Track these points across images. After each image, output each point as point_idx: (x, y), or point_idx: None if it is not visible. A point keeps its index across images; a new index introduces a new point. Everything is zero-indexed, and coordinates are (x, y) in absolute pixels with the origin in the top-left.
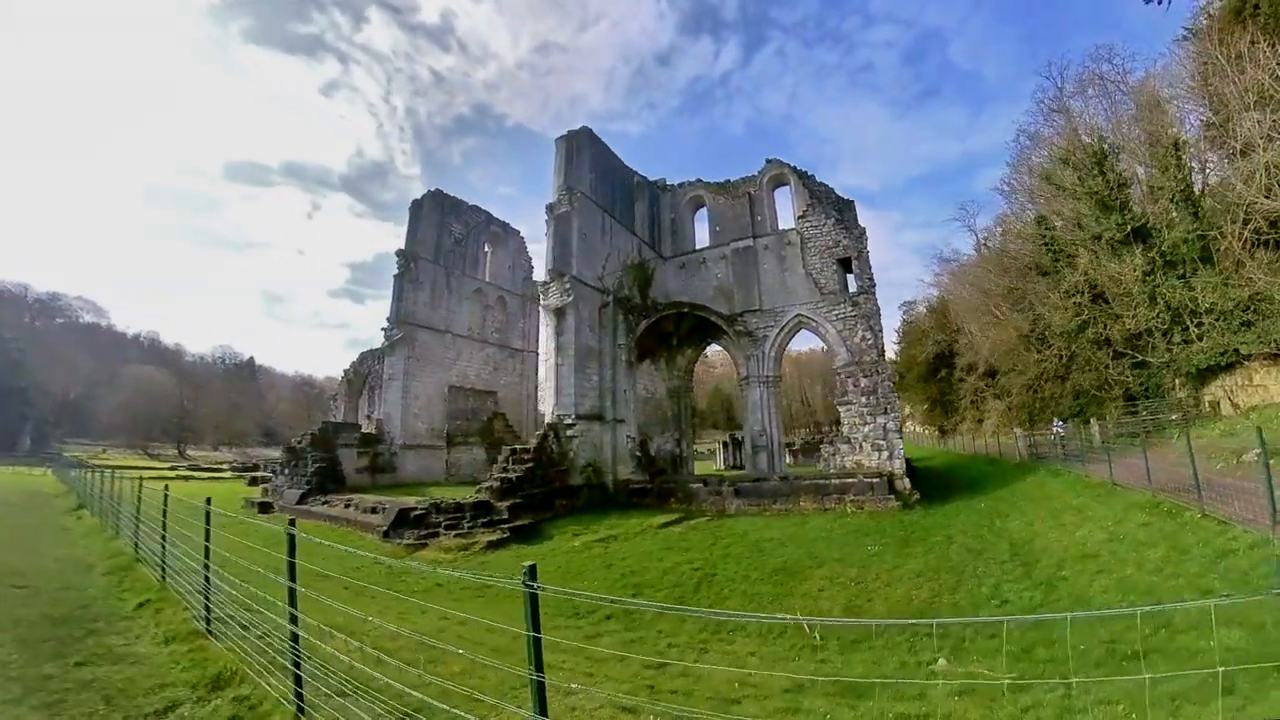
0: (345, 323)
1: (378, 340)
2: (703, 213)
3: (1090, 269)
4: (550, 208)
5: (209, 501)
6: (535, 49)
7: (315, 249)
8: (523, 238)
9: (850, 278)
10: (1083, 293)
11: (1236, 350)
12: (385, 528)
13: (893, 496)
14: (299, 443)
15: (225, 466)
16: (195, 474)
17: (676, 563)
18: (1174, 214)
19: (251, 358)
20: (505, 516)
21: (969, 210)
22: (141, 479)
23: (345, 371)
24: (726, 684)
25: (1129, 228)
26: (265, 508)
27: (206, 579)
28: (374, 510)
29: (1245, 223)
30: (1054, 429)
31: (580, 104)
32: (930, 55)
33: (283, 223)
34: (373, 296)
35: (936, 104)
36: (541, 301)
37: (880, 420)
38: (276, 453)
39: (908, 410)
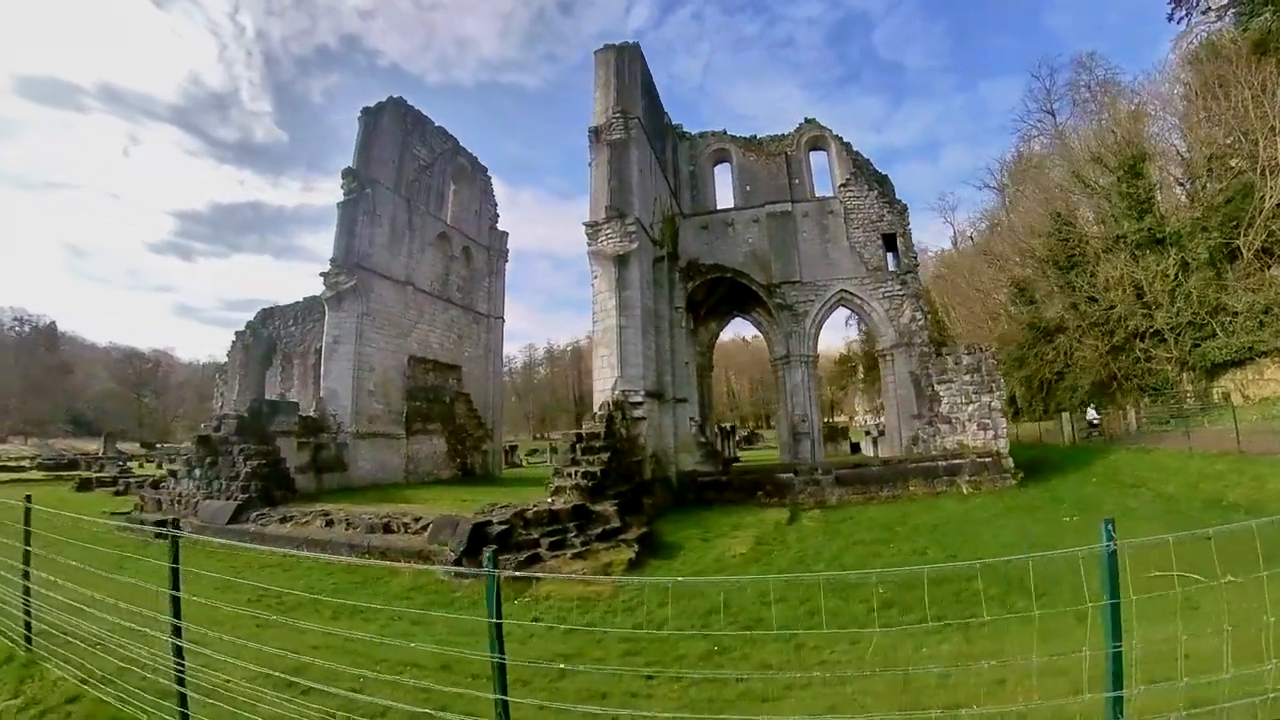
0: (169, 285)
1: (214, 310)
2: (724, 168)
3: (1126, 267)
4: (596, 132)
5: None
6: None
7: (133, 192)
8: (490, 178)
9: (890, 256)
10: (1125, 288)
11: (1251, 347)
12: (457, 555)
13: (1007, 475)
14: (216, 430)
15: (28, 464)
16: None
17: (909, 556)
18: (1197, 220)
19: (53, 323)
20: (618, 525)
21: (947, 202)
22: None
23: (240, 335)
24: None
25: (1166, 229)
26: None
27: None
28: (386, 528)
29: (1262, 233)
30: (1089, 416)
31: (469, 48)
32: (854, 38)
33: (93, 158)
34: (208, 254)
35: (855, 90)
36: (590, 247)
37: (985, 399)
38: (93, 445)
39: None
